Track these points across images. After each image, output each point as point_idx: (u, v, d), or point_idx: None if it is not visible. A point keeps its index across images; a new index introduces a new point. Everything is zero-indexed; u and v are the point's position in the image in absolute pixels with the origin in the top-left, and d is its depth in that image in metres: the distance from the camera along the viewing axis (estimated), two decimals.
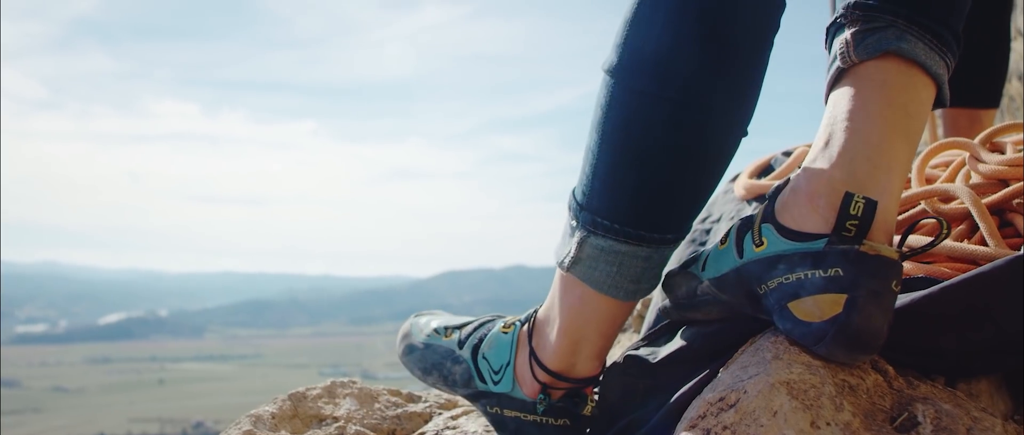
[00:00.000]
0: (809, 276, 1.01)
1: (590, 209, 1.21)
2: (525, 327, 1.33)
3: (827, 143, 1.07)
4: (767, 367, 1.01)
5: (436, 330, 1.47)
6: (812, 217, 1.03)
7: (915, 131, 1.07)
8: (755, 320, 1.13)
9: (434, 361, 1.42)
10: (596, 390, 1.31)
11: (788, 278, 1.02)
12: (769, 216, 1.08)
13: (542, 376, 1.29)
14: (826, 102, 1.12)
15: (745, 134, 1.22)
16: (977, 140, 1.48)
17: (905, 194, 1.40)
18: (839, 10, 1.13)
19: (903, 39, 1.06)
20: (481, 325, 1.42)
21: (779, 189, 1.10)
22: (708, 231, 1.71)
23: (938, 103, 1.11)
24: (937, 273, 1.18)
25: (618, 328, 1.29)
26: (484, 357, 1.35)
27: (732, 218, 1.67)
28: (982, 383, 1.15)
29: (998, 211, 1.32)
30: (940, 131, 2.77)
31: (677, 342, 1.25)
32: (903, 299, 1.08)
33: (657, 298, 1.68)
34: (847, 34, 1.10)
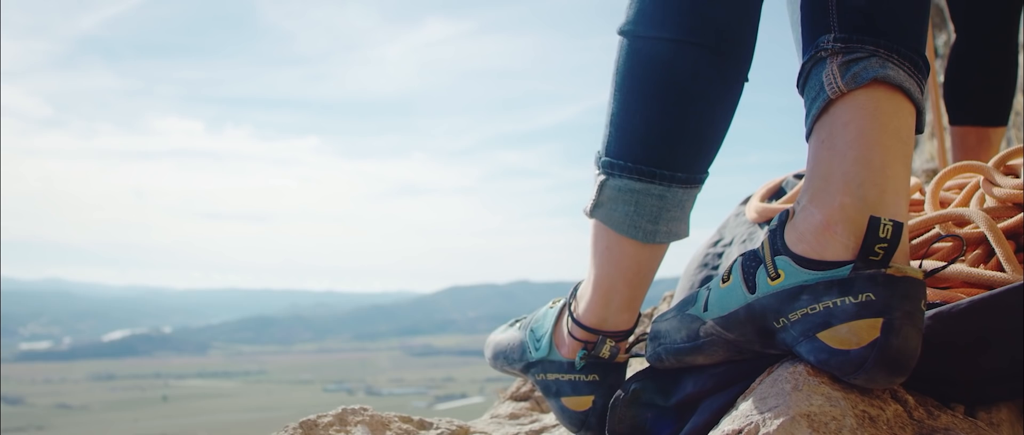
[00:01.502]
0: (839, 304, 1.00)
1: (608, 154, 1.31)
2: (569, 297, 1.42)
3: (828, 173, 1.08)
4: (787, 399, 0.99)
5: (508, 324, 1.62)
6: (831, 245, 1.04)
7: (909, 156, 1.10)
8: (764, 356, 1.12)
9: (500, 348, 1.56)
10: (633, 342, 1.39)
11: (814, 308, 1.01)
12: (782, 248, 1.08)
13: (579, 333, 1.36)
14: (809, 136, 1.14)
15: (747, 80, 1.32)
16: (991, 163, 1.48)
17: (920, 218, 1.40)
18: (818, 45, 1.15)
19: (887, 67, 1.09)
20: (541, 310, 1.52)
21: (782, 222, 1.11)
22: (720, 255, 1.70)
23: (918, 129, 1.13)
24: (952, 299, 1.17)
25: (645, 277, 1.35)
26: (532, 330, 1.47)
27: (744, 242, 1.66)
28: (1002, 411, 1.13)
29: (1014, 235, 1.31)
30: (949, 149, 2.77)
31: (689, 380, 1.20)
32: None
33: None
34: (832, 66, 1.12)
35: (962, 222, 1.36)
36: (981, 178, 1.45)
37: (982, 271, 1.20)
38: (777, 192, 1.76)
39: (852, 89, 1.09)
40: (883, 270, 0.99)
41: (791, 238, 1.08)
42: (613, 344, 1.35)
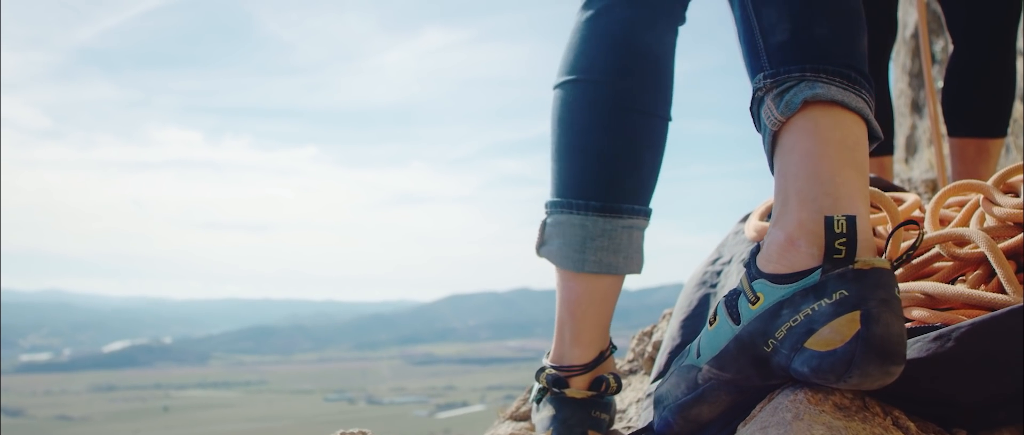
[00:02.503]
0: (817, 308, 1.01)
1: (549, 196, 1.46)
2: None
3: (785, 197, 1.11)
4: (787, 429, 0.98)
5: None
6: (798, 258, 1.06)
7: (860, 162, 1.12)
8: (767, 389, 1.11)
9: None
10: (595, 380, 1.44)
11: (796, 319, 1.02)
12: (757, 273, 1.10)
13: (544, 372, 1.47)
14: (773, 172, 1.17)
15: (668, 119, 1.46)
16: (991, 181, 1.47)
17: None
18: (754, 86, 1.21)
19: (816, 86, 1.14)
20: None
21: (754, 253, 1.13)
22: (719, 273, 1.69)
23: (872, 137, 1.17)
24: (954, 320, 1.16)
25: (587, 310, 1.43)
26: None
27: (743, 259, 1.65)
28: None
29: (1014, 255, 1.29)
30: (947, 157, 2.76)
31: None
32: (918, 348, 1.07)
33: (667, 342, 1.66)
34: (768, 101, 1.17)
35: (962, 242, 1.34)
36: (981, 197, 1.45)
37: (983, 293, 1.19)
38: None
39: (789, 116, 1.14)
40: (850, 266, 1.01)
41: (762, 262, 1.10)
42: (558, 376, 1.42)
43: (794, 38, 1.19)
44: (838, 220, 1.03)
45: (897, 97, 6.22)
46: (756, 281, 1.09)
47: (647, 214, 1.47)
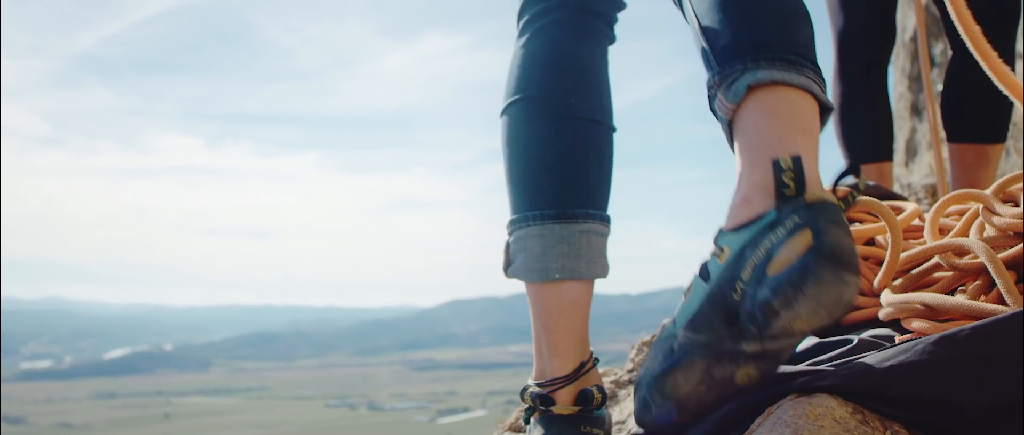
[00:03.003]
0: (774, 239, 1.07)
1: (508, 218, 1.52)
2: None
3: (741, 169, 1.18)
4: None
5: None
6: (754, 209, 1.12)
7: (809, 127, 1.19)
8: (771, 397, 1.13)
9: None
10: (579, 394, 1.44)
11: (757, 255, 1.08)
12: (721, 232, 1.16)
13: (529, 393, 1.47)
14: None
15: (609, 126, 1.53)
16: (990, 190, 1.47)
17: (919, 248, 1.40)
18: (707, 88, 1.27)
19: (756, 73, 1.20)
20: None
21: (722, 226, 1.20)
22: None
23: (823, 109, 1.23)
24: None
25: (558, 320, 1.44)
26: None
27: None
28: None
29: (1014, 266, 1.29)
30: (947, 166, 2.75)
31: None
32: (920, 351, 1.07)
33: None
34: (720, 96, 1.23)
35: (962, 252, 1.34)
36: (980, 206, 1.44)
37: (983, 304, 1.19)
38: None
39: (738, 103, 1.20)
40: (801, 198, 1.08)
41: (725, 224, 1.15)
42: (542, 393, 1.42)
43: (736, 39, 1.25)
44: (784, 159, 1.10)
45: (897, 100, 6.21)
46: (720, 238, 1.15)
47: (603, 220, 1.50)
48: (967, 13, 1.42)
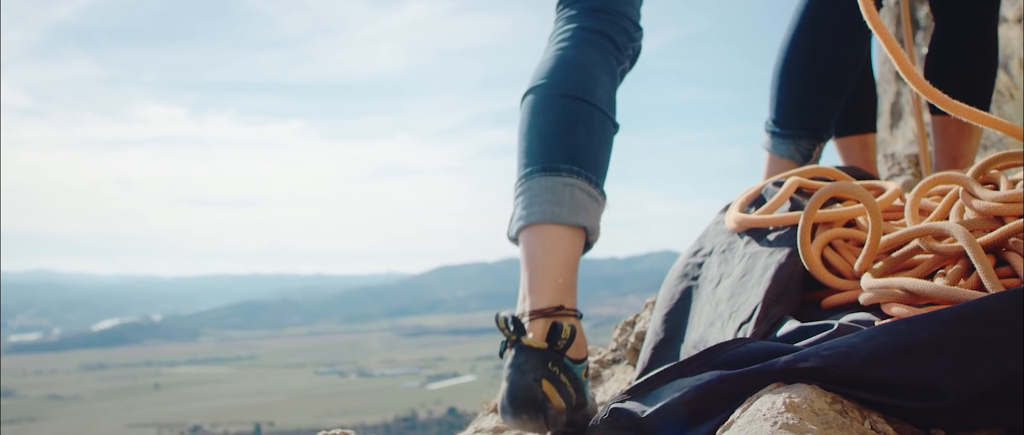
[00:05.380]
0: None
1: None
2: None
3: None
4: None
5: None
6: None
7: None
8: (753, 377, 1.14)
9: None
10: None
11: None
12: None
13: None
14: None
15: (606, 115, 1.77)
16: (970, 173, 1.47)
17: (899, 232, 1.40)
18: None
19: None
20: None
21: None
22: (700, 264, 1.69)
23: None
24: None
25: (539, 257, 1.64)
26: None
27: (723, 251, 1.65)
28: None
29: (993, 249, 1.30)
30: (930, 139, 2.76)
31: (668, 395, 1.22)
32: (901, 333, 1.08)
33: (650, 336, 1.66)
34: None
35: (942, 235, 1.35)
36: (961, 189, 1.45)
37: (962, 290, 1.20)
38: (757, 200, 1.75)
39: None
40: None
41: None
42: (515, 318, 1.58)
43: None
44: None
45: (881, 63, 6.20)
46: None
47: (591, 181, 1.69)
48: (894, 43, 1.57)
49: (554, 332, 1.53)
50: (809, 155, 2.30)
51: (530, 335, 1.54)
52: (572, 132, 1.68)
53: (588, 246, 1.71)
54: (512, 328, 1.54)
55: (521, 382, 1.52)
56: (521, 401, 1.52)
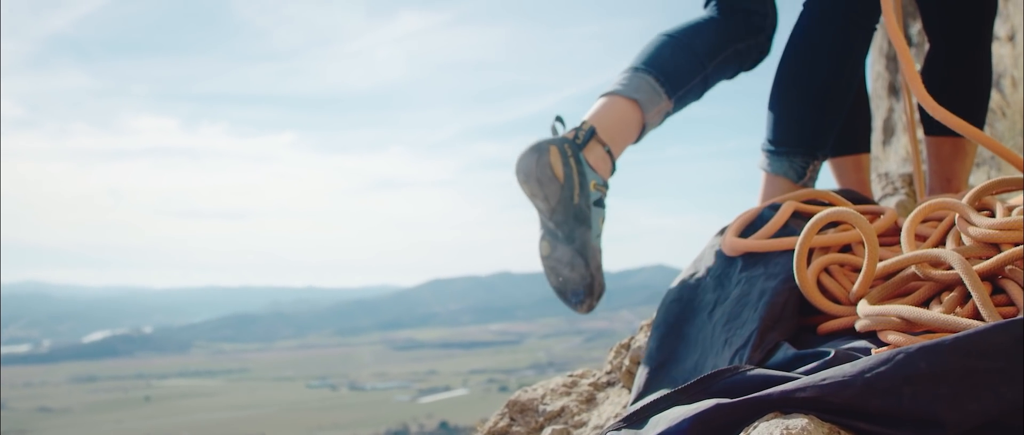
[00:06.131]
0: None
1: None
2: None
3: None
4: None
5: None
6: None
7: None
8: (751, 406, 1.13)
9: None
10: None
11: None
12: None
13: None
14: None
15: (698, 55, 2.34)
16: (965, 199, 1.47)
17: (895, 258, 1.40)
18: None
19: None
20: None
21: None
22: (696, 288, 1.69)
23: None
24: None
25: (601, 107, 2.25)
26: None
27: (719, 275, 1.65)
28: None
29: (990, 277, 1.30)
30: (924, 158, 2.75)
31: (664, 423, 1.20)
32: (899, 363, 1.07)
33: (645, 360, 1.65)
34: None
35: (938, 263, 1.35)
36: (957, 215, 1.45)
37: (958, 318, 1.19)
38: (752, 224, 1.74)
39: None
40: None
41: None
42: (581, 128, 2.19)
43: None
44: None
45: (874, 80, 6.23)
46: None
47: (659, 80, 2.27)
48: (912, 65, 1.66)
49: (577, 129, 2.16)
50: (803, 173, 2.30)
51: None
52: (661, 48, 2.33)
53: (644, 127, 2.28)
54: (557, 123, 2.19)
55: (538, 141, 2.09)
56: (530, 146, 2.09)
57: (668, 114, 2.35)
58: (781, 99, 2.34)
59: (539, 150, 2.05)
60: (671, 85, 2.27)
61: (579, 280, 2.06)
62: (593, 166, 2.12)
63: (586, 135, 2.12)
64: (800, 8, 2.34)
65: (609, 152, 2.15)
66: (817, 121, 2.31)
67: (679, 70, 2.28)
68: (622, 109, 2.21)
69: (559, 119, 2.18)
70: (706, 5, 2.46)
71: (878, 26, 2.38)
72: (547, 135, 2.13)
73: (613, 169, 2.18)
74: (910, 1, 4.99)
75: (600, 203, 2.13)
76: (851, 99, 2.37)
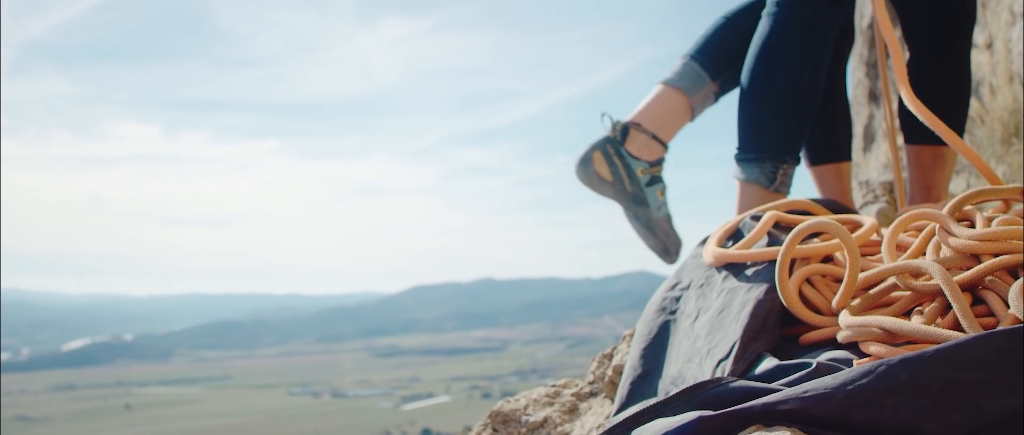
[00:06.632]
0: None
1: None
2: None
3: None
4: None
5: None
6: None
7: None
8: (733, 418, 1.13)
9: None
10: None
11: None
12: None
13: None
14: None
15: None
16: (946, 210, 1.48)
17: (876, 269, 1.41)
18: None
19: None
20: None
21: None
22: (678, 299, 1.68)
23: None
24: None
25: (660, 98, 2.60)
26: None
27: (701, 285, 1.65)
28: None
29: (970, 287, 1.31)
30: (904, 166, 2.77)
31: (648, 434, 1.20)
32: (880, 375, 1.07)
33: (628, 371, 1.65)
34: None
35: (919, 273, 1.36)
36: (937, 226, 1.46)
37: (939, 330, 1.20)
38: (734, 234, 1.74)
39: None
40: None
41: None
42: (625, 123, 2.58)
43: None
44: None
45: (854, 87, 6.25)
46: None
47: (702, 65, 2.57)
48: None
49: (614, 127, 2.50)
50: (774, 178, 2.34)
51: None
52: (709, 35, 2.60)
53: (693, 109, 2.60)
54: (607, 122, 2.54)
55: (583, 154, 2.51)
56: (578, 160, 2.51)
57: (719, 93, 2.64)
58: (746, 106, 2.39)
59: (585, 162, 2.51)
60: (715, 68, 2.56)
61: (656, 245, 2.61)
62: (636, 155, 2.51)
63: (622, 132, 2.51)
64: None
65: (655, 137, 2.52)
66: (782, 126, 2.35)
67: (725, 52, 2.52)
68: (667, 97, 2.56)
69: (606, 115, 2.52)
70: None
71: (858, 32, 2.42)
72: (594, 133, 2.58)
73: (665, 148, 2.56)
74: (890, 7, 5.03)
75: (654, 181, 2.55)
76: (816, 102, 2.39)
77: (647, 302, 1.79)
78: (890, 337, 1.26)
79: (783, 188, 2.32)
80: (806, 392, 1.10)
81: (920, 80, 2.60)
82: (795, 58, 2.32)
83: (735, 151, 2.42)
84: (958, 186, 4.45)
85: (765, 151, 2.34)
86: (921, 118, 1.64)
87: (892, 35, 2.05)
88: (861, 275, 1.42)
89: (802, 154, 2.74)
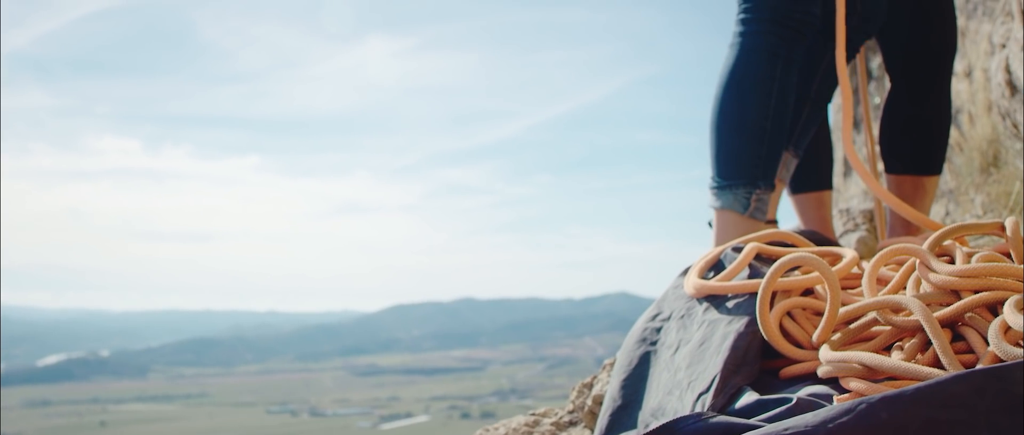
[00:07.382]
0: None
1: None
2: None
3: None
4: None
5: None
6: None
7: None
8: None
9: None
10: None
11: None
12: None
13: None
14: None
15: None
16: (926, 245, 1.48)
17: (857, 304, 1.41)
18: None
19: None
20: None
21: None
22: (659, 330, 1.68)
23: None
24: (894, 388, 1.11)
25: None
26: None
27: (682, 316, 1.64)
28: None
29: (950, 324, 1.31)
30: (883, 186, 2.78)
31: None
32: (861, 413, 1.06)
33: (607, 402, 1.64)
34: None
35: (899, 308, 1.36)
36: (917, 261, 1.46)
37: (919, 367, 1.19)
38: (716, 265, 1.74)
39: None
40: None
41: None
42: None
43: None
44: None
45: (835, 113, 6.29)
46: None
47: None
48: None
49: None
50: (748, 204, 2.34)
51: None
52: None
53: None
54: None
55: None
56: None
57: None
58: (717, 134, 2.40)
59: None
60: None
61: None
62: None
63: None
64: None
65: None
66: (752, 152, 2.37)
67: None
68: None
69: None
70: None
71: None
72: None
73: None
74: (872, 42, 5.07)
75: None
76: (785, 128, 2.40)
77: (628, 324, 1.78)
78: (870, 373, 1.25)
79: (758, 213, 2.33)
80: (786, 429, 1.09)
81: (902, 110, 2.62)
82: (761, 84, 2.35)
83: (709, 179, 2.44)
84: (936, 212, 4.47)
85: (738, 178, 2.36)
86: (867, 185, 1.67)
87: (846, 82, 2.09)
88: (842, 309, 1.42)
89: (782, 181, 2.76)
